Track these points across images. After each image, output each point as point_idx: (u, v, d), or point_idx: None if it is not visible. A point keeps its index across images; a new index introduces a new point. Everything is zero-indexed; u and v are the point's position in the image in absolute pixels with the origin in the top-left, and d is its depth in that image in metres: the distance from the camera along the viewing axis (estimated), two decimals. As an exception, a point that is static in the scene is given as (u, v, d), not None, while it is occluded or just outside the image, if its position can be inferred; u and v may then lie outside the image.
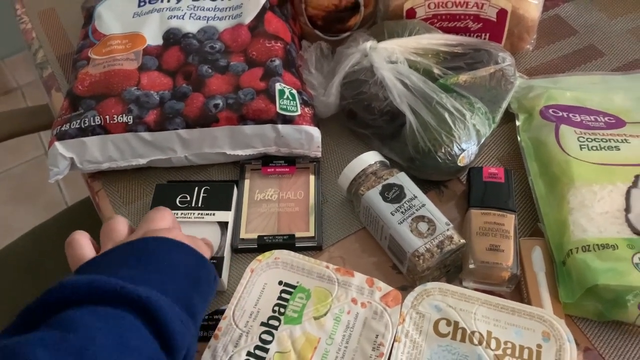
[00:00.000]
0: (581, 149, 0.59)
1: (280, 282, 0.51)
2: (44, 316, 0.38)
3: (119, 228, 0.49)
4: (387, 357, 0.47)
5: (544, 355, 0.46)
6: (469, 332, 0.48)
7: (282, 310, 0.49)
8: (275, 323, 0.49)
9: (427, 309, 0.49)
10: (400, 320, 0.49)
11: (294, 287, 0.51)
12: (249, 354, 0.47)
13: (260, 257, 0.53)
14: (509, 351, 0.46)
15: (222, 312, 0.51)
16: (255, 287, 0.51)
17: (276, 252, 0.53)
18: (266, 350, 0.47)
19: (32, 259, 0.91)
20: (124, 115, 0.61)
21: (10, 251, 0.94)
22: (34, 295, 0.40)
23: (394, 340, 0.48)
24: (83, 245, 0.47)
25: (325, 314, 0.49)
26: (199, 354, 0.48)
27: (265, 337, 0.48)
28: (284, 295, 0.50)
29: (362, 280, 0.51)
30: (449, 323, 0.48)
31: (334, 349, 0.47)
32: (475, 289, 0.55)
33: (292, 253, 0.53)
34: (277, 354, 0.47)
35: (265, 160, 0.64)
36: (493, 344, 0.47)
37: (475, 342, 0.47)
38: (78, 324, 0.37)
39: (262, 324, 0.49)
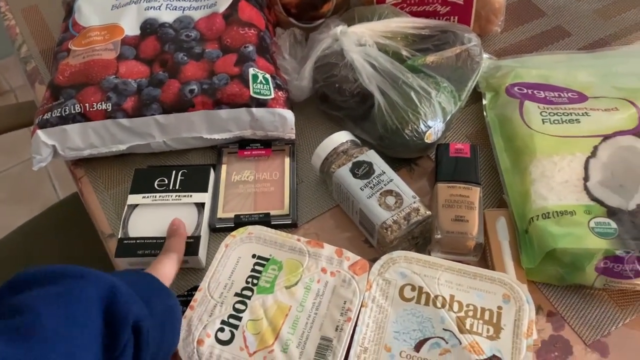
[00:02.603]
0: (543, 122, 0.61)
1: (253, 256, 0.54)
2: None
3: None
4: (354, 322, 0.49)
5: (503, 316, 0.48)
6: (432, 296, 0.50)
7: (255, 281, 0.52)
8: (249, 293, 0.51)
9: (393, 275, 0.51)
10: (367, 287, 0.51)
11: (266, 259, 0.53)
12: (223, 322, 0.49)
13: (234, 232, 0.55)
14: (470, 313, 0.49)
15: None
16: (230, 260, 0.53)
17: (250, 228, 0.56)
18: (239, 319, 0.49)
19: (22, 254, 0.93)
20: (103, 102, 0.63)
21: (2, 245, 0.96)
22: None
23: (362, 306, 0.50)
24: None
25: (296, 284, 0.51)
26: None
27: (239, 306, 0.50)
28: (257, 267, 0.53)
29: (332, 251, 0.53)
30: (413, 288, 0.50)
31: (304, 316, 0.49)
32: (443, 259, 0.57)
33: (265, 228, 0.55)
34: (250, 321, 0.49)
35: (242, 143, 0.66)
36: (455, 307, 0.49)
37: (439, 305, 0.49)
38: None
39: (236, 294, 0.51)
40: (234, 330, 0.49)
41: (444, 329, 0.48)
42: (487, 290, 0.50)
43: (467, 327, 0.48)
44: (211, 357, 0.48)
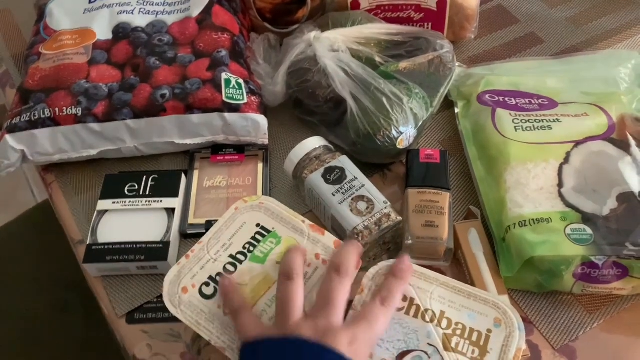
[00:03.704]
0: (516, 130, 0.61)
1: (257, 225, 0.54)
2: None
3: (298, 303, 0.47)
4: None
5: (492, 340, 0.47)
6: (422, 309, 0.49)
7: (251, 248, 0.52)
8: (242, 258, 0.52)
9: None
10: (360, 291, 0.50)
11: (268, 231, 0.53)
12: (210, 277, 0.50)
13: (247, 198, 0.56)
14: (458, 332, 0.47)
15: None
16: (235, 223, 0.54)
17: (262, 198, 0.56)
18: None
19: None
20: (73, 107, 0.62)
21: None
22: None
23: (351, 309, 0.49)
24: (299, 290, 0.47)
25: None
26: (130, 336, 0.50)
27: (229, 267, 0.51)
28: (257, 236, 0.53)
29: (331, 240, 0.53)
30: (404, 299, 0.49)
31: None
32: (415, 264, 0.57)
33: (276, 201, 0.56)
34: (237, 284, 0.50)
35: (215, 148, 0.66)
36: (444, 323, 0.48)
37: (427, 319, 0.48)
38: None
39: (230, 256, 0.52)
40: (218, 287, 0.50)
41: (429, 343, 0.47)
42: (480, 311, 0.49)
43: (453, 345, 0.47)
44: (190, 306, 0.49)
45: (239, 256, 0.52)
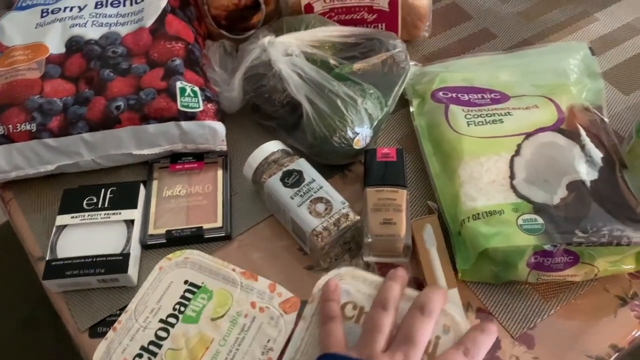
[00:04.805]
0: (468, 125, 0.62)
1: (185, 282, 0.53)
2: None
3: (339, 338, 0.47)
4: None
5: (440, 347, 0.46)
6: None
7: (182, 309, 0.51)
8: (173, 321, 0.50)
9: None
10: (310, 300, 0.50)
11: (198, 287, 0.52)
12: (142, 348, 0.49)
13: (170, 255, 0.55)
14: None
15: None
16: (162, 284, 0.53)
17: (187, 252, 0.55)
18: (159, 346, 0.49)
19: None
20: (27, 123, 0.62)
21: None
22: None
23: (301, 319, 0.49)
24: (338, 328, 0.47)
25: (222, 316, 0.51)
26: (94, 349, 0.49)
27: (161, 333, 0.49)
28: (187, 294, 0.52)
29: (265, 285, 0.53)
30: (355, 307, 0.49)
31: (225, 350, 0.49)
32: (376, 262, 0.58)
33: (202, 254, 0.55)
34: (170, 350, 0.49)
35: (174, 157, 0.66)
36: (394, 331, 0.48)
37: None
38: None
39: (161, 320, 0.50)
40: (152, 358, 0.48)
41: None
42: None
43: None
44: None
45: (170, 319, 0.50)
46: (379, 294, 0.49)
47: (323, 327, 0.48)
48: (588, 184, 0.56)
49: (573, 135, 0.60)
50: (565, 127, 0.61)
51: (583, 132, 0.60)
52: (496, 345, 0.52)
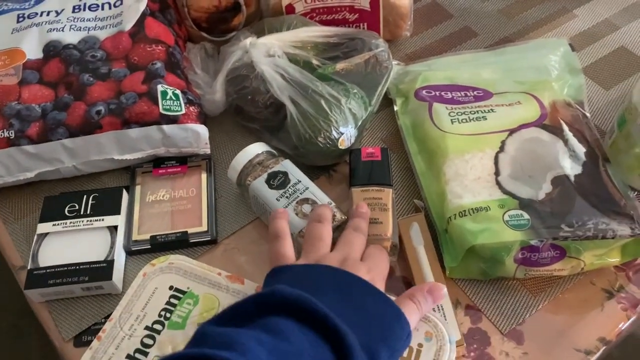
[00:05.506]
0: (452, 123, 0.63)
1: (170, 287, 0.52)
2: (250, 315, 0.41)
3: (288, 254, 0.50)
4: None
5: (423, 354, 0.46)
6: None
7: (167, 315, 0.50)
8: (159, 327, 0.49)
9: None
10: None
11: (183, 292, 0.52)
12: (128, 356, 0.48)
13: (154, 261, 0.54)
14: None
15: None
16: (146, 291, 0.52)
17: (171, 257, 0.54)
18: (146, 354, 0.48)
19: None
20: (4, 130, 0.60)
21: None
22: None
23: None
24: (286, 245, 0.51)
25: None
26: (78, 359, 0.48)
27: (147, 341, 0.49)
28: (172, 300, 0.51)
29: (252, 288, 0.52)
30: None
31: None
32: (363, 263, 0.57)
33: (187, 259, 0.54)
34: (157, 358, 0.48)
35: (157, 162, 0.65)
36: None
37: None
38: (289, 335, 0.39)
39: (146, 327, 0.49)
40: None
41: None
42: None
43: None
44: None
45: (155, 326, 0.49)
46: (312, 213, 0.54)
47: (271, 245, 0.50)
48: (572, 178, 0.56)
49: (556, 131, 0.61)
50: (548, 123, 0.61)
51: (566, 128, 0.61)
52: (486, 342, 0.52)
